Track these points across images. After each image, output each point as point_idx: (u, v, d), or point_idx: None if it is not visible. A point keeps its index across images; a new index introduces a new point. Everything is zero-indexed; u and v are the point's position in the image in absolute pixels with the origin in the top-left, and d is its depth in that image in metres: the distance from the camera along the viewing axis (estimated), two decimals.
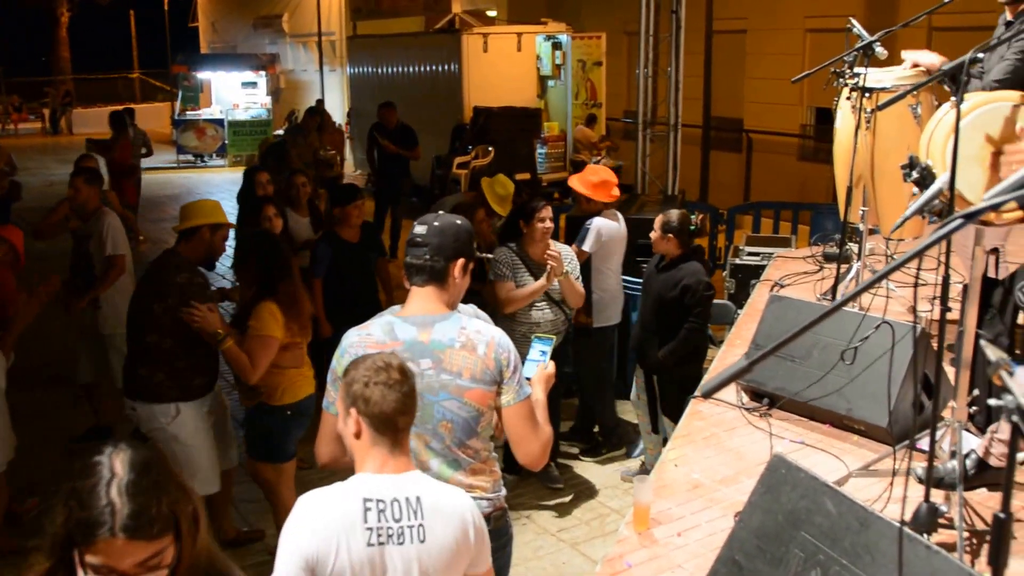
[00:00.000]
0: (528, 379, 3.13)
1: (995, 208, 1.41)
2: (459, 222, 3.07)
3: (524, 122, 14.73)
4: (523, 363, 3.21)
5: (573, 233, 6.87)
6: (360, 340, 2.98)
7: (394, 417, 2.48)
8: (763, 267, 7.41)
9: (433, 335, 2.93)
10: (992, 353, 1.29)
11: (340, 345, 3.02)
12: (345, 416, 2.52)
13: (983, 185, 3.09)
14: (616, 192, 6.70)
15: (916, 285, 2.78)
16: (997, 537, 1.55)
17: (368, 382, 2.47)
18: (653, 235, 5.97)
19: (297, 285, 4.99)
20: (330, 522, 2.38)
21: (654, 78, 11.73)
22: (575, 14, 18.12)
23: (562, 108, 16.54)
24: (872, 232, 5.59)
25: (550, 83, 16.76)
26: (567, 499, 6.26)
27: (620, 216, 6.84)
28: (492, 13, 20.89)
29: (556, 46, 16.41)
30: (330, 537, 2.36)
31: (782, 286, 6.23)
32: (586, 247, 6.52)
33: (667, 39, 11.41)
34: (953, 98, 3.29)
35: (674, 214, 5.95)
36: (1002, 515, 1.53)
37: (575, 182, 6.73)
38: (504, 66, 15.64)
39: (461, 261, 3.01)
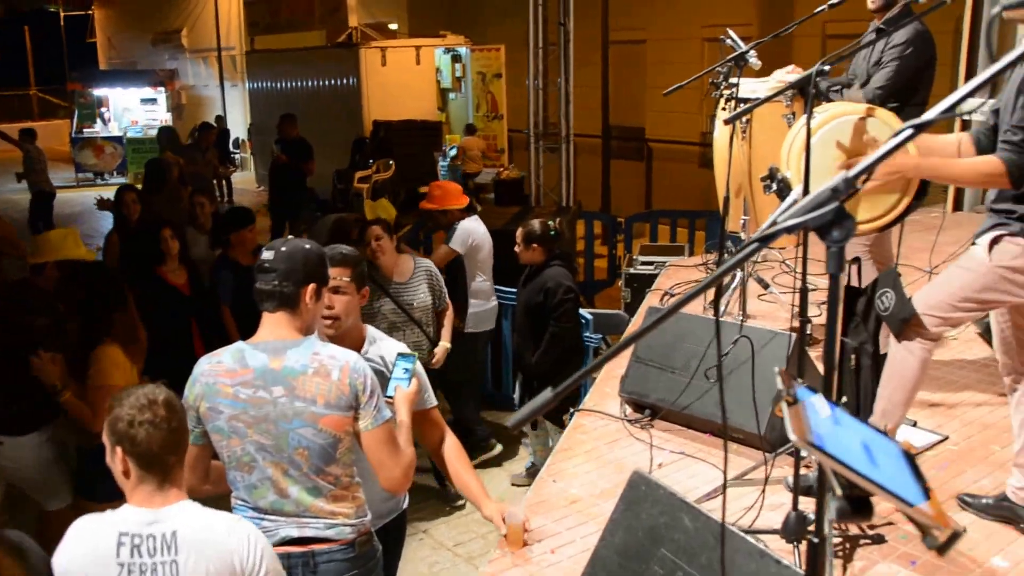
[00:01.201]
0: (390, 399, 3.08)
1: (790, 231, 1.40)
2: (307, 246, 2.99)
3: (425, 135, 14.71)
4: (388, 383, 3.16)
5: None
6: (211, 368, 2.90)
7: (163, 455, 2.47)
8: (656, 276, 7.46)
9: (285, 362, 2.85)
10: (779, 382, 1.28)
11: (192, 374, 2.93)
12: (111, 453, 2.49)
13: None
14: (464, 198, 6.83)
15: (735, 292, 2.79)
16: (812, 561, 1.54)
17: (133, 421, 2.44)
18: (517, 248, 6.10)
19: (132, 316, 4.80)
20: (84, 553, 2.43)
21: (545, 90, 11.76)
22: (475, 26, 18.15)
23: (463, 120, 16.51)
24: None
25: (451, 96, 16.75)
26: (464, 513, 6.22)
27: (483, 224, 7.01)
28: (393, 26, 20.81)
29: (456, 59, 16.41)
30: (82, 568, 2.40)
31: (671, 295, 6.28)
32: (454, 245, 6.71)
33: (557, 51, 11.46)
34: (815, 110, 3.35)
35: (535, 224, 6.13)
36: (815, 539, 1.51)
37: (425, 204, 6.92)
38: (404, 79, 15.59)
39: (312, 286, 2.93)
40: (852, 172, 1.40)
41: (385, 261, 5.73)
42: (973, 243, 3.26)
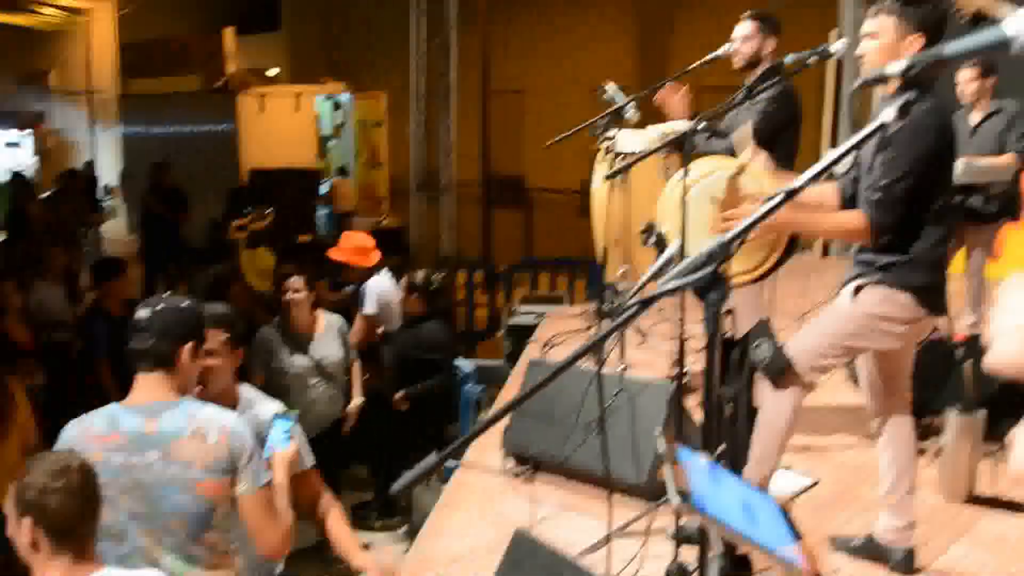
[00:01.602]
0: (267, 461, 3.00)
1: (671, 293, 1.42)
2: (183, 305, 2.91)
3: (303, 183, 14.53)
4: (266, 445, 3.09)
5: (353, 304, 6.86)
6: (81, 432, 2.77)
7: (77, 526, 2.34)
8: (537, 326, 7.51)
9: (160, 425, 2.74)
10: (661, 444, 1.29)
11: (59, 439, 2.80)
12: (16, 523, 2.34)
13: None
14: (375, 255, 6.74)
15: (613, 348, 2.84)
16: None
17: (45, 488, 2.30)
18: (401, 295, 6.13)
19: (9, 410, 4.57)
20: None
21: (427, 138, 11.81)
22: (358, 74, 18.10)
23: (344, 168, 16.39)
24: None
25: (330, 143, 16.60)
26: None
27: (393, 279, 6.88)
28: (272, 72, 20.59)
29: (336, 106, 16.30)
30: None
31: (552, 345, 6.34)
32: (368, 310, 6.54)
33: (438, 100, 11.55)
34: (690, 164, 3.44)
35: (419, 274, 6.22)
36: None
37: (334, 253, 6.79)
38: (282, 126, 15.39)
39: (190, 345, 2.85)
40: (727, 237, 1.44)
41: (300, 315, 5.59)
42: (839, 292, 3.39)
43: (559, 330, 6.72)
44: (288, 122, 15.55)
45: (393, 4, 14.70)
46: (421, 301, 6.08)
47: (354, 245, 6.73)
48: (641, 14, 15.62)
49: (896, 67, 1.52)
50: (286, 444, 3.12)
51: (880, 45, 3.16)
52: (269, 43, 21.11)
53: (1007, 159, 5.75)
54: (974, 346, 4.89)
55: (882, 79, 1.62)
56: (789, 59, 3.61)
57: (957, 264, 6.32)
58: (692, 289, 1.45)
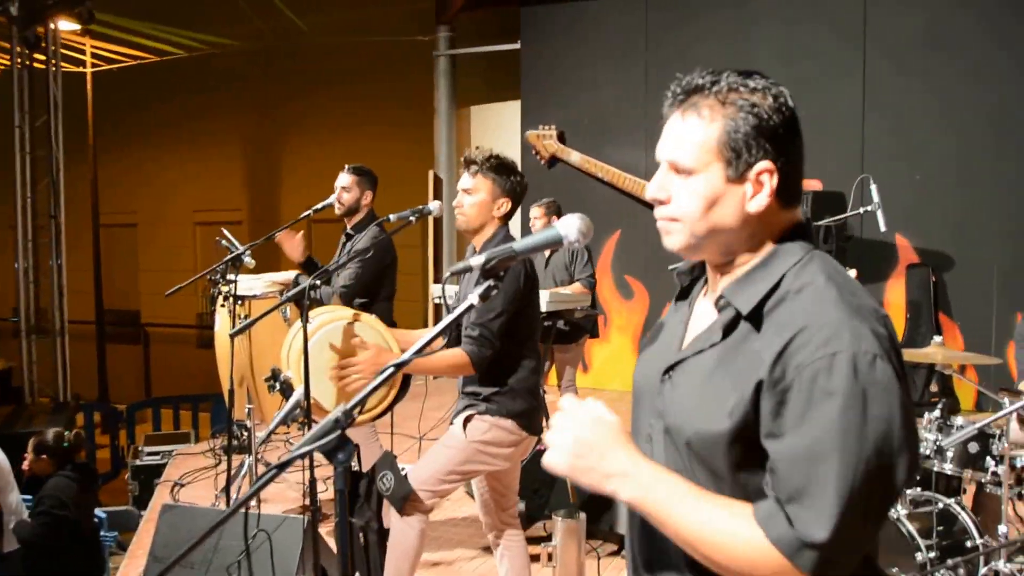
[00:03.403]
0: None
1: (302, 457, 1.69)
2: None
3: None
4: None
5: None
6: None
7: None
8: (164, 466, 7.39)
9: None
10: None
11: None
12: None
13: (334, 395, 3.54)
14: None
15: (245, 477, 3.04)
16: None
17: None
18: (27, 457, 5.83)
19: None
20: None
21: (36, 277, 11.23)
22: None
23: None
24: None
25: None
26: None
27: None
28: None
29: None
30: None
31: (181, 485, 6.31)
32: None
33: (48, 240, 11.08)
34: (312, 312, 3.75)
35: (49, 433, 5.92)
36: None
37: None
38: None
39: None
40: (349, 405, 1.73)
41: None
42: (451, 423, 3.80)
43: (188, 468, 6.70)
44: None
45: None
46: (52, 462, 5.77)
47: None
48: (250, 145, 15.87)
49: (477, 260, 1.91)
50: None
51: (475, 201, 3.68)
52: None
53: (578, 288, 6.64)
54: None
55: (468, 270, 2.00)
56: (393, 218, 4.07)
57: (551, 379, 7.12)
58: (322, 453, 1.72)
